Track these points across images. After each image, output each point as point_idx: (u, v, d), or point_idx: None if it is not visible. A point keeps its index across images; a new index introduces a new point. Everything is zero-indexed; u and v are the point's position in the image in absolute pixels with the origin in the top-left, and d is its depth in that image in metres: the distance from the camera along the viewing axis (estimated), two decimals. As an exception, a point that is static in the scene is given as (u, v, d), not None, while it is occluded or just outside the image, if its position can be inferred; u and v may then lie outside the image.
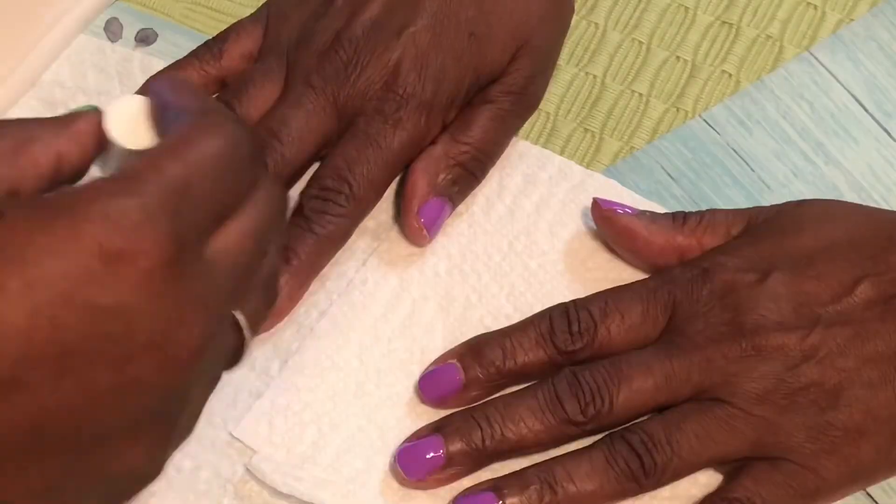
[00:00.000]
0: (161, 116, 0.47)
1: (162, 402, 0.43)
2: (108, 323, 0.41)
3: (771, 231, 0.60)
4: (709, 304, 0.58)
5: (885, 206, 0.66)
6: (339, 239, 0.62)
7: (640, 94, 0.68)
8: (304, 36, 0.64)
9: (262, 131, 0.62)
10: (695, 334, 0.57)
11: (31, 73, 0.66)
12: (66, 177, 0.47)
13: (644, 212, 0.62)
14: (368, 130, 0.62)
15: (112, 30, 0.68)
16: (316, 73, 0.63)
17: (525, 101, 0.65)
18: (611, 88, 0.69)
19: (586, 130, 0.68)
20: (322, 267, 0.62)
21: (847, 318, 0.57)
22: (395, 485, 0.58)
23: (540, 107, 0.67)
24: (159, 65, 0.66)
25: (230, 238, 0.45)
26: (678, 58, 0.70)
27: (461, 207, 0.64)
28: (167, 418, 0.44)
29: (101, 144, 0.48)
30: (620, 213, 0.62)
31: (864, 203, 0.66)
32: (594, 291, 0.62)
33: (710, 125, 0.68)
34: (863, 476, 0.57)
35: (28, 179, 0.46)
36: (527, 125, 0.67)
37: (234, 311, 0.46)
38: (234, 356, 0.47)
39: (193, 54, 0.66)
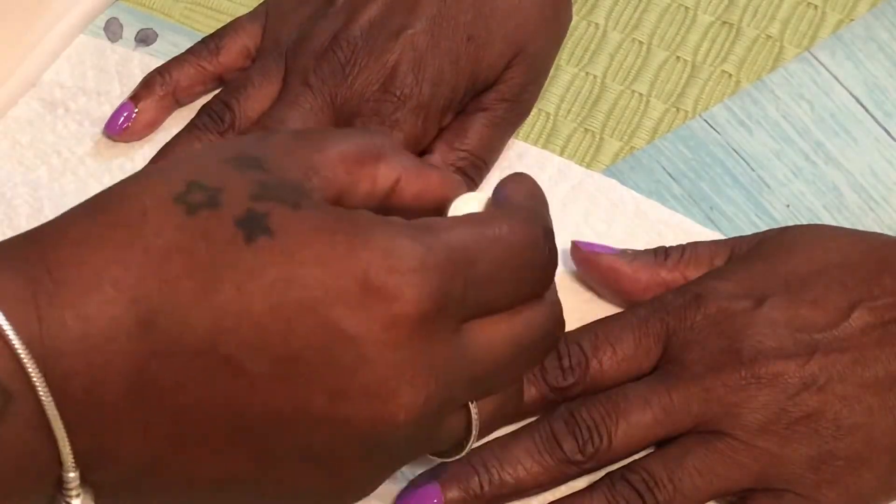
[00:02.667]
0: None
1: (356, 450, 0.43)
2: (341, 349, 0.41)
3: (761, 256, 0.59)
4: (704, 332, 0.57)
5: (885, 207, 0.66)
6: None
7: (640, 94, 0.68)
8: (302, 36, 0.64)
9: (258, 132, 0.62)
10: (692, 363, 0.56)
11: (31, 73, 0.66)
12: (390, 209, 0.46)
13: (624, 250, 0.61)
14: None
15: (112, 30, 0.68)
16: (314, 74, 0.63)
17: (518, 109, 0.65)
18: (611, 88, 0.69)
19: (586, 130, 0.67)
20: None
21: (845, 344, 0.56)
22: (396, 487, 0.57)
23: (540, 107, 0.68)
24: (159, 64, 0.66)
25: (494, 334, 0.44)
26: (678, 58, 0.69)
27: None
28: (352, 469, 0.44)
29: (438, 207, 0.48)
30: (601, 253, 0.61)
31: (865, 204, 0.66)
32: (594, 292, 0.62)
33: (710, 125, 0.68)
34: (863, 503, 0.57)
35: (359, 193, 0.46)
36: (527, 125, 0.67)
37: (469, 403, 0.45)
38: (451, 449, 0.47)
39: (191, 51, 0.66)
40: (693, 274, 0.60)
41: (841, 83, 0.69)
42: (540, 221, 0.46)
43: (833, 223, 0.65)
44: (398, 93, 0.62)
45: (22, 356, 0.40)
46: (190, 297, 0.41)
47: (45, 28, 0.66)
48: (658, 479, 0.55)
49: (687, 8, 0.71)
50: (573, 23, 0.69)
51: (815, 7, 0.71)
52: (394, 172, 0.47)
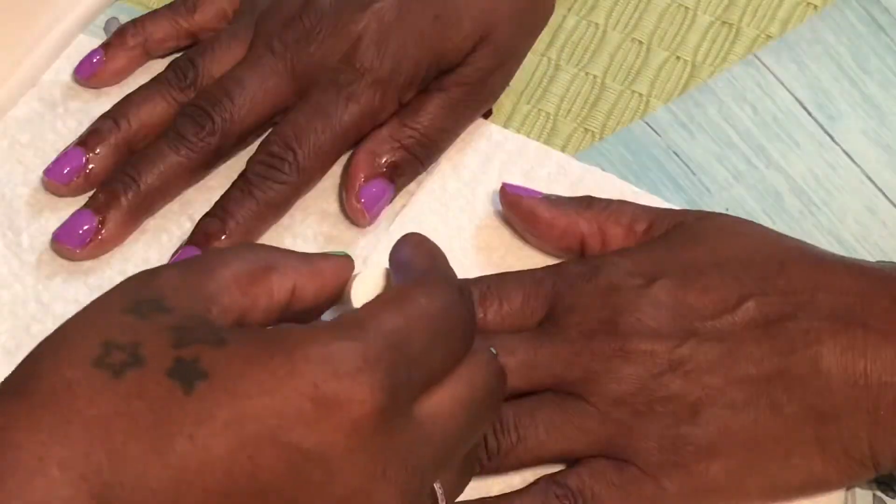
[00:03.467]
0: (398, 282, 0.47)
1: None
2: (310, 469, 0.40)
3: (669, 241, 0.59)
4: (589, 300, 0.57)
5: (825, 210, 0.66)
6: (278, 206, 0.62)
7: (640, 94, 0.68)
8: (275, 2, 0.65)
9: (216, 90, 0.63)
10: (568, 326, 0.56)
11: (31, 73, 0.66)
12: (294, 314, 0.47)
13: (549, 196, 0.62)
14: (321, 100, 0.63)
15: (112, 30, 0.68)
16: (278, 39, 0.63)
17: (479, 95, 0.65)
18: (611, 88, 0.69)
19: (586, 130, 0.67)
20: (260, 233, 0.63)
21: (723, 335, 0.56)
22: None
23: (540, 107, 0.68)
24: (159, 65, 0.66)
25: (442, 403, 0.44)
26: (678, 58, 0.69)
27: (462, 202, 0.64)
28: None
29: (339, 295, 0.48)
30: (524, 196, 0.62)
31: (805, 208, 0.65)
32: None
33: (651, 128, 0.67)
34: (707, 497, 0.56)
35: (258, 309, 0.45)
36: (527, 125, 0.67)
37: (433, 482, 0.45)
38: None
39: (168, 6, 0.67)
40: (612, 230, 0.60)
41: (785, 86, 0.68)
42: (450, 281, 0.46)
43: (772, 227, 0.64)
44: (358, 65, 0.63)
45: None
46: (143, 460, 0.40)
47: (45, 28, 0.66)
48: (505, 424, 0.55)
49: (687, 8, 0.71)
50: (573, 23, 0.69)
51: (815, 7, 0.71)
52: (288, 281, 0.46)
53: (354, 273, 0.50)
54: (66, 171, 0.63)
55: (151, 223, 0.63)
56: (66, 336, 0.42)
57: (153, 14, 0.67)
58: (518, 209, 0.62)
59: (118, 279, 0.61)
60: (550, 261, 0.62)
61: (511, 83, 0.67)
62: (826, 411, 0.55)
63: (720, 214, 0.62)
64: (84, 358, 0.41)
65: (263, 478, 0.40)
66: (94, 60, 0.66)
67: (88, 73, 0.66)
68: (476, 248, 0.63)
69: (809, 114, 0.68)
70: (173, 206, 0.64)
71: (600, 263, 0.58)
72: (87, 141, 0.63)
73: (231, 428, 0.40)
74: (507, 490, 0.57)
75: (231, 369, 0.40)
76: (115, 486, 0.39)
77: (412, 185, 0.65)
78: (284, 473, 0.40)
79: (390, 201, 0.64)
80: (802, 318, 0.56)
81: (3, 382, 0.42)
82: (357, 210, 0.63)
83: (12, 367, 0.59)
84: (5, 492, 0.39)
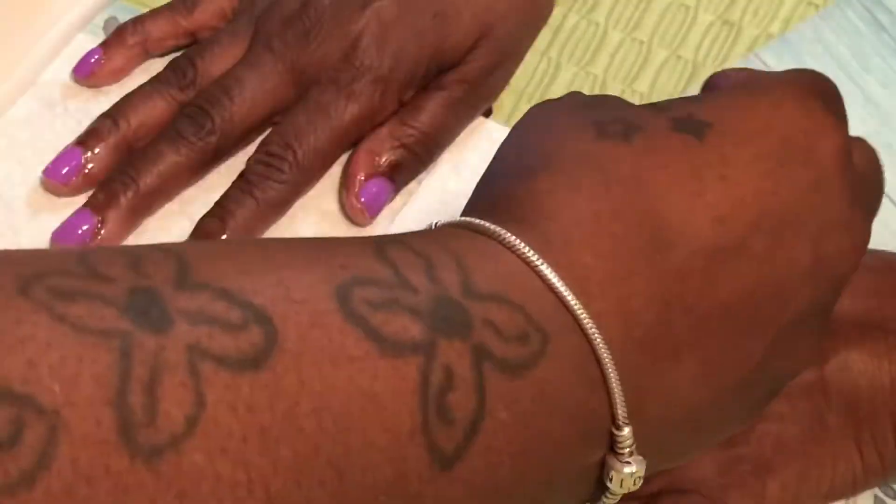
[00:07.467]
0: None
1: (831, 294, 0.46)
2: (810, 197, 0.44)
3: None
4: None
5: None
6: (278, 205, 0.62)
7: (641, 94, 0.68)
8: (274, 1, 0.65)
9: (215, 89, 0.63)
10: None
11: (31, 73, 0.66)
12: None
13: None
14: (321, 100, 0.63)
15: (111, 29, 0.67)
16: (278, 38, 0.64)
17: (480, 93, 0.65)
18: (611, 88, 0.69)
19: (587, 130, 0.67)
20: (259, 233, 0.62)
21: None
22: None
23: (540, 107, 0.68)
24: (158, 64, 0.66)
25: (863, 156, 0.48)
26: (679, 57, 0.69)
27: (462, 201, 0.64)
28: (825, 312, 0.46)
29: None
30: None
31: None
32: None
33: None
34: None
35: None
36: (527, 125, 0.67)
37: None
38: None
39: (168, 5, 0.67)
40: None
41: (784, 85, 0.68)
42: None
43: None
44: (358, 63, 0.63)
45: (566, 296, 0.40)
46: (686, 202, 0.42)
47: (44, 27, 0.66)
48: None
49: (687, 7, 0.71)
50: (574, 22, 0.69)
51: (816, 6, 0.71)
52: None
53: None
54: (64, 171, 0.63)
55: (151, 223, 0.63)
56: (553, 127, 0.45)
57: (152, 13, 0.67)
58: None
59: (117, 279, 0.61)
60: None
61: (512, 82, 0.67)
62: (860, 416, 0.55)
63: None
64: (586, 137, 0.43)
65: (780, 209, 0.43)
66: (93, 60, 0.66)
67: (87, 73, 0.66)
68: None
69: (810, 113, 0.68)
70: (173, 206, 0.64)
71: None
72: (86, 140, 0.63)
73: (752, 165, 0.43)
74: None
75: (727, 116, 0.44)
76: (664, 229, 0.42)
77: (412, 184, 0.65)
78: (793, 202, 0.44)
79: (390, 200, 0.64)
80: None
81: (519, 167, 0.44)
82: (357, 209, 0.63)
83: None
84: (572, 246, 0.41)
